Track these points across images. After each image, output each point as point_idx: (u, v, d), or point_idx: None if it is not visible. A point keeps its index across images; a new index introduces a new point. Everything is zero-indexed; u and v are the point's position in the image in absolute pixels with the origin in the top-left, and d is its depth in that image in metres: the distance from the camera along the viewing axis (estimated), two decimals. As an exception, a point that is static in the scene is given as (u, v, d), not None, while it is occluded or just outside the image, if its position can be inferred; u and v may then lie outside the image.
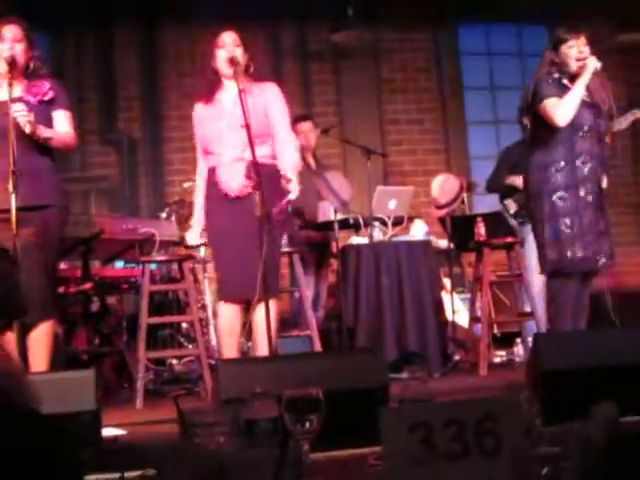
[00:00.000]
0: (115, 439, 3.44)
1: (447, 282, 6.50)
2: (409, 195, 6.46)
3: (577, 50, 4.60)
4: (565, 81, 4.64)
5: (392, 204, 6.10)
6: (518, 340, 6.07)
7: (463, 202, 6.84)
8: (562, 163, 4.56)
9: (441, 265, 6.51)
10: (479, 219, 5.85)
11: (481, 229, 5.77)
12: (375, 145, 7.83)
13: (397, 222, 6.15)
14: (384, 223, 6.02)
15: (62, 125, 4.33)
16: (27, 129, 4.03)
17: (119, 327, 5.98)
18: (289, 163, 4.29)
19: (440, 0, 8.94)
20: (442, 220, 6.56)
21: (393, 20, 8.90)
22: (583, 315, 4.70)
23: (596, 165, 4.59)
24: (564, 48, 4.63)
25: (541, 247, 4.66)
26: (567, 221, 4.54)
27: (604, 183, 4.68)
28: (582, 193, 4.56)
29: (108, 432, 3.46)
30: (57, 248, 4.32)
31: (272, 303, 4.08)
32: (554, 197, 4.55)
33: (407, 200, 6.34)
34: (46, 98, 4.27)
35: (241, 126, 4.07)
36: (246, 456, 2.16)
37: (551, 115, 4.54)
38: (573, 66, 4.60)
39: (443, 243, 6.77)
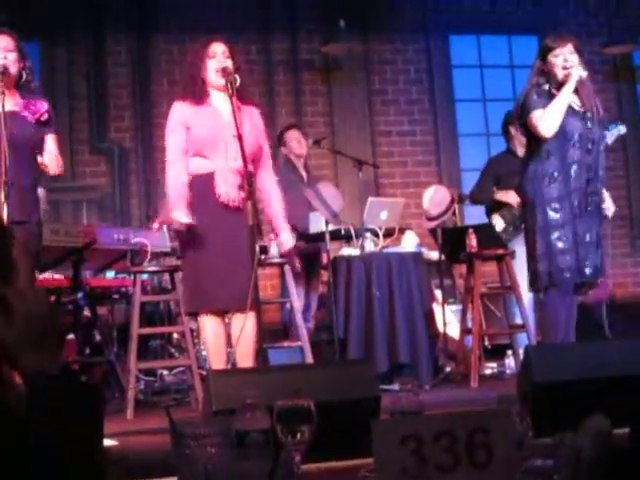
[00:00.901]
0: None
1: (438, 294, 6.50)
2: (400, 206, 6.47)
3: (563, 58, 4.60)
4: (554, 91, 4.64)
5: (383, 215, 6.11)
6: (509, 352, 6.06)
7: (454, 214, 6.85)
8: (555, 174, 4.57)
9: (432, 277, 6.51)
10: (470, 231, 5.86)
11: (472, 241, 5.77)
12: (366, 156, 7.84)
13: (388, 233, 6.15)
14: (375, 234, 6.02)
15: (52, 148, 4.37)
16: None
17: (110, 337, 5.97)
18: (280, 206, 4.44)
19: (431, 12, 8.97)
20: (433, 232, 6.56)
21: (384, 32, 8.93)
22: (572, 326, 4.71)
23: (588, 174, 4.60)
24: (551, 57, 4.64)
25: (532, 259, 4.66)
26: (559, 233, 4.54)
27: (606, 197, 4.70)
28: (575, 203, 4.56)
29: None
30: (37, 260, 4.35)
31: (252, 315, 4.08)
32: (548, 208, 4.56)
33: (398, 211, 6.35)
34: (42, 119, 4.32)
35: (233, 136, 4.07)
36: (237, 468, 2.15)
37: (536, 127, 4.56)
38: (559, 75, 4.61)
39: (434, 254, 6.77)
